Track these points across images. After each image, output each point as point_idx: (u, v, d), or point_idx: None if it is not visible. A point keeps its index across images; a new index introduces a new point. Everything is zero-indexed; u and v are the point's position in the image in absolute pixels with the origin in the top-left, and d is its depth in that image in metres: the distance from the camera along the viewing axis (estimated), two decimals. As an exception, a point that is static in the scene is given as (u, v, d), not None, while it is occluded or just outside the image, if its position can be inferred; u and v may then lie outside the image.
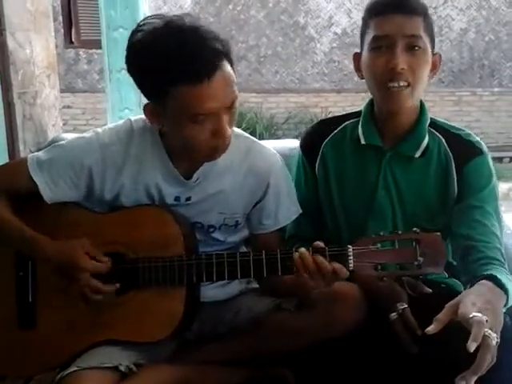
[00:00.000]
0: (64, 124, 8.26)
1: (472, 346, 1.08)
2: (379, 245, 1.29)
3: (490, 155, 1.53)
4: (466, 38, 9.85)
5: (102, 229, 1.43)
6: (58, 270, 1.38)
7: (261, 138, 7.90)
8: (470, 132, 1.56)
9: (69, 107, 9.06)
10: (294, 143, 1.74)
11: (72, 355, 1.38)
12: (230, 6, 9.64)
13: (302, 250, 1.31)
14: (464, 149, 1.51)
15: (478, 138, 1.54)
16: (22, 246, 1.42)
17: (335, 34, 9.60)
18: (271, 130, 9.27)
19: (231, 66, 1.30)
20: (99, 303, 1.38)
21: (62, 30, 9.06)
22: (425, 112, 1.54)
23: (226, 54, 1.28)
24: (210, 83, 1.24)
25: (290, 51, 9.77)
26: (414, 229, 1.28)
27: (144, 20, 1.31)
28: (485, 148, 1.53)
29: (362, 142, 1.55)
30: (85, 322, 1.39)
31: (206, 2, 9.59)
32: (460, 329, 1.13)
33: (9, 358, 1.43)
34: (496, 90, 10.01)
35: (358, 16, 9.11)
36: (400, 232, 1.29)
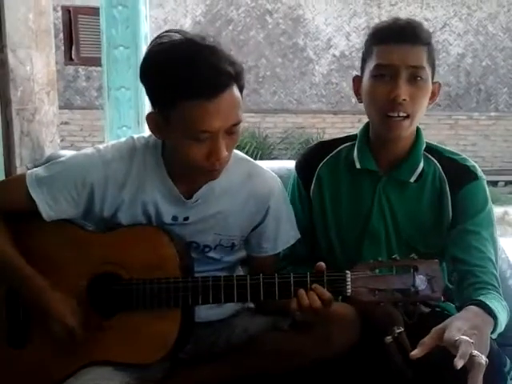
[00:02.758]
0: (61, 140, 8.25)
1: (459, 363, 1.08)
2: (377, 270, 1.29)
3: (485, 180, 1.53)
4: (463, 62, 9.95)
5: (96, 249, 1.41)
6: (38, 312, 1.38)
7: (257, 157, 7.92)
8: (465, 157, 1.56)
9: (66, 123, 9.09)
10: (292, 164, 1.75)
11: (63, 376, 1.36)
12: (230, 27, 9.73)
13: (301, 291, 1.31)
14: (459, 173, 1.51)
15: (473, 163, 1.54)
16: (14, 281, 1.40)
17: (334, 56, 9.68)
18: (267, 150, 9.30)
19: (241, 91, 1.31)
20: (92, 324, 1.38)
21: (63, 47, 9.11)
22: (420, 137, 1.54)
23: (237, 79, 1.29)
24: (216, 102, 1.24)
25: (288, 72, 9.84)
26: (412, 255, 1.29)
27: (165, 32, 1.32)
28: (480, 173, 1.52)
29: (357, 166, 1.55)
30: (77, 342, 1.37)
31: (206, 22, 9.68)
32: (450, 355, 1.13)
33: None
34: (492, 114, 10.08)
35: (356, 39, 9.20)
36: (398, 258, 1.29)
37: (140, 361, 1.37)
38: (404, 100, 1.40)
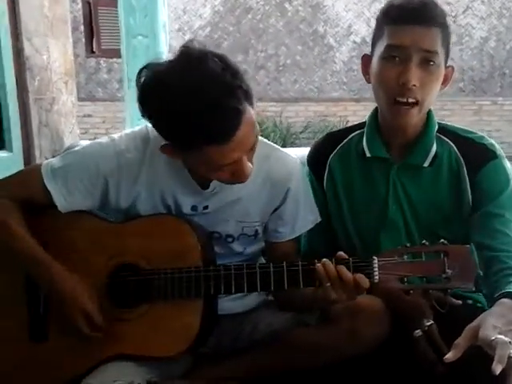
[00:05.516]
0: (84, 133, 8.31)
1: (497, 369, 1.04)
2: (405, 256, 1.25)
3: (505, 158, 1.47)
4: (486, 46, 9.78)
5: (115, 239, 1.39)
6: (56, 300, 1.36)
7: (279, 146, 7.87)
8: (483, 135, 1.50)
9: (89, 116, 9.13)
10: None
11: (84, 369, 1.34)
12: (250, 15, 9.67)
13: (325, 259, 1.27)
14: (476, 153, 1.45)
15: (491, 141, 1.48)
16: (30, 267, 1.37)
17: (354, 42, 9.59)
18: (290, 139, 9.26)
19: (252, 105, 1.25)
20: (112, 316, 1.35)
21: (84, 40, 9.15)
22: (431, 118, 1.49)
23: (247, 98, 1.23)
24: (234, 140, 1.20)
25: (309, 60, 9.77)
26: (442, 240, 1.24)
27: (158, 69, 1.22)
28: (499, 151, 1.47)
29: (368, 154, 1.51)
30: (97, 332, 1.35)
31: (225, 11, 9.63)
32: (484, 353, 1.08)
33: (19, 370, 1.39)
34: (517, 99, 9.91)
35: (377, 25, 9.08)
36: (427, 243, 1.24)
37: (162, 354, 1.34)
38: (414, 86, 1.35)
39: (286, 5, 9.71)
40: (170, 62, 1.23)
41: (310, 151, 1.64)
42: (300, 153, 1.71)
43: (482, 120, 9.68)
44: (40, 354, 1.39)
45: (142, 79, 1.24)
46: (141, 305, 1.36)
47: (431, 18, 1.37)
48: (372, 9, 9.27)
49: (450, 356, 1.11)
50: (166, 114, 1.20)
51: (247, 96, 1.22)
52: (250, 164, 1.28)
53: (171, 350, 1.34)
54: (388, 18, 1.41)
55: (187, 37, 9.53)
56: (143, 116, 1.26)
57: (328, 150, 1.58)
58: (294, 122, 9.54)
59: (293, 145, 9.08)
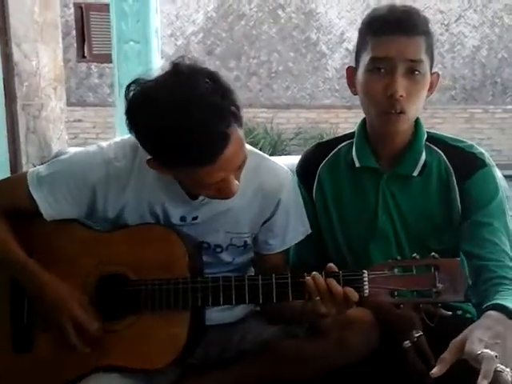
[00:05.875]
0: (74, 138, 8.27)
1: None
2: (396, 270, 1.24)
3: (494, 167, 1.47)
4: (478, 55, 9.85)
5: (102, 248, 1.37)
6: (45, 309, 1.34)
7: (270, 153, 7.88)
8: (472, 143, 1.49)
9: (79, 121, 9.11)
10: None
11: (68, 381, 1.32)
12: (243, 22, 9.69)
13: (315, 272, 1.25)
14: (466, 162, 1.45)
15: (481, 149, 1.48)
16: (17, 273, 1.36)
17: (347, 50, 9.62)
18: (280, 146, 9.27)
19: (241, 126, 1.23)
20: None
21: (75, 44, 9.14)
22: (420, 128, 1.48)
23: (237, 120, 1.21)
24: (221, 159, 1.19)
25: (301, 67, 9.80)
26: (433, 254, 1.23)
27: (146, 84, 1.21)
28: (488, 159, 1.46)
29: (357, 164, 1.50)
30: (85, 338, 1.32)
31: (218, 17, 9.64)
32: (470, 367, 1.07)
33: (2, 380, 1.37)
34: (508, 107, 10.00)
35: (369, 32, 9.12)
36: (418, 257, 1.23)
37: (148, 366, 1.32)
38: (401, 96, 1.34)
39: (279, 12, 9.74)
40: (159, 77, 1.21)
41: (299, 162, 1.62)
42: (290, 161, 1.70)
43: (473, 128, 9.73)
44: (24, 365, 1.37)
45: (131, 94, 1.22)
46: (128, 316, 1.34)
47: (414, 27, 1.36)
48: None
49: (435, 371, 1.09)
50: (153, 129, 1.19)
51: (236, 117, 1.21)
52: (237, 182, 1.27)
53: (158, 362, 1.32)
54: (371, 30, 1.40)
55: (180, 42, 9.54)
56: (130, 131, 1.25)
57: (317, 160, 1.57)
58: (285, 128, 9.56)
59: (283, 151, 9.09)
